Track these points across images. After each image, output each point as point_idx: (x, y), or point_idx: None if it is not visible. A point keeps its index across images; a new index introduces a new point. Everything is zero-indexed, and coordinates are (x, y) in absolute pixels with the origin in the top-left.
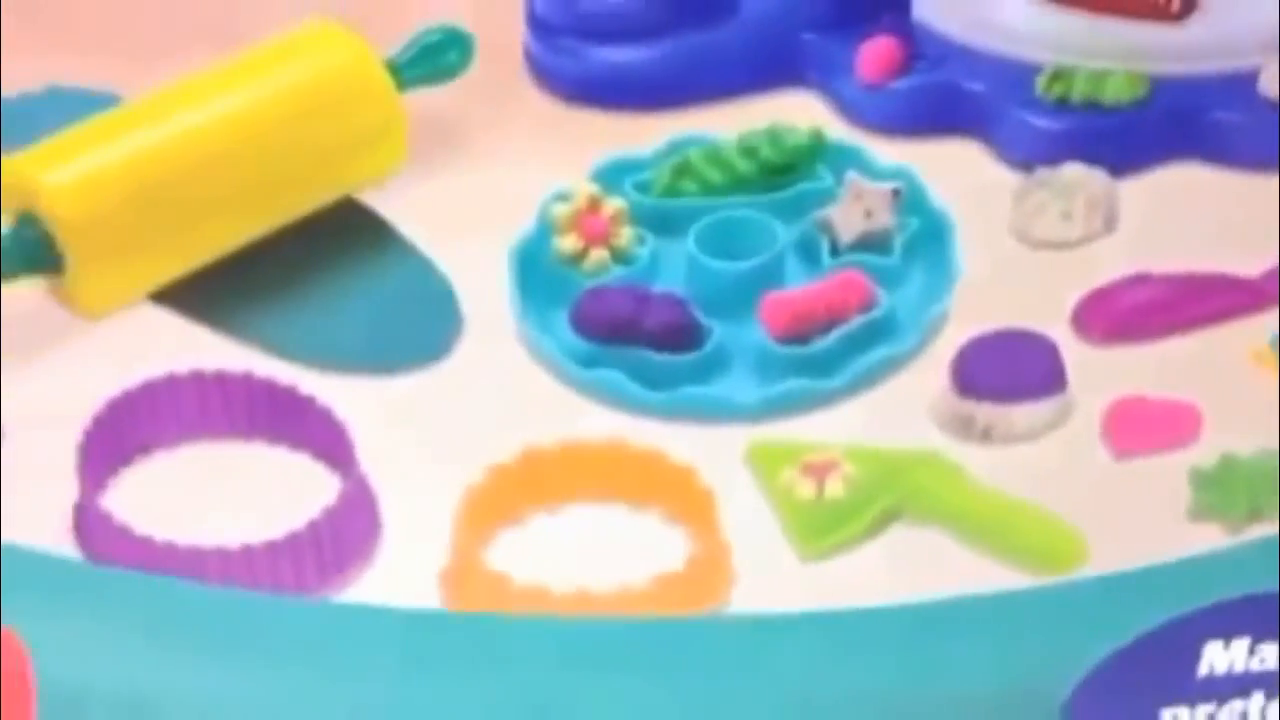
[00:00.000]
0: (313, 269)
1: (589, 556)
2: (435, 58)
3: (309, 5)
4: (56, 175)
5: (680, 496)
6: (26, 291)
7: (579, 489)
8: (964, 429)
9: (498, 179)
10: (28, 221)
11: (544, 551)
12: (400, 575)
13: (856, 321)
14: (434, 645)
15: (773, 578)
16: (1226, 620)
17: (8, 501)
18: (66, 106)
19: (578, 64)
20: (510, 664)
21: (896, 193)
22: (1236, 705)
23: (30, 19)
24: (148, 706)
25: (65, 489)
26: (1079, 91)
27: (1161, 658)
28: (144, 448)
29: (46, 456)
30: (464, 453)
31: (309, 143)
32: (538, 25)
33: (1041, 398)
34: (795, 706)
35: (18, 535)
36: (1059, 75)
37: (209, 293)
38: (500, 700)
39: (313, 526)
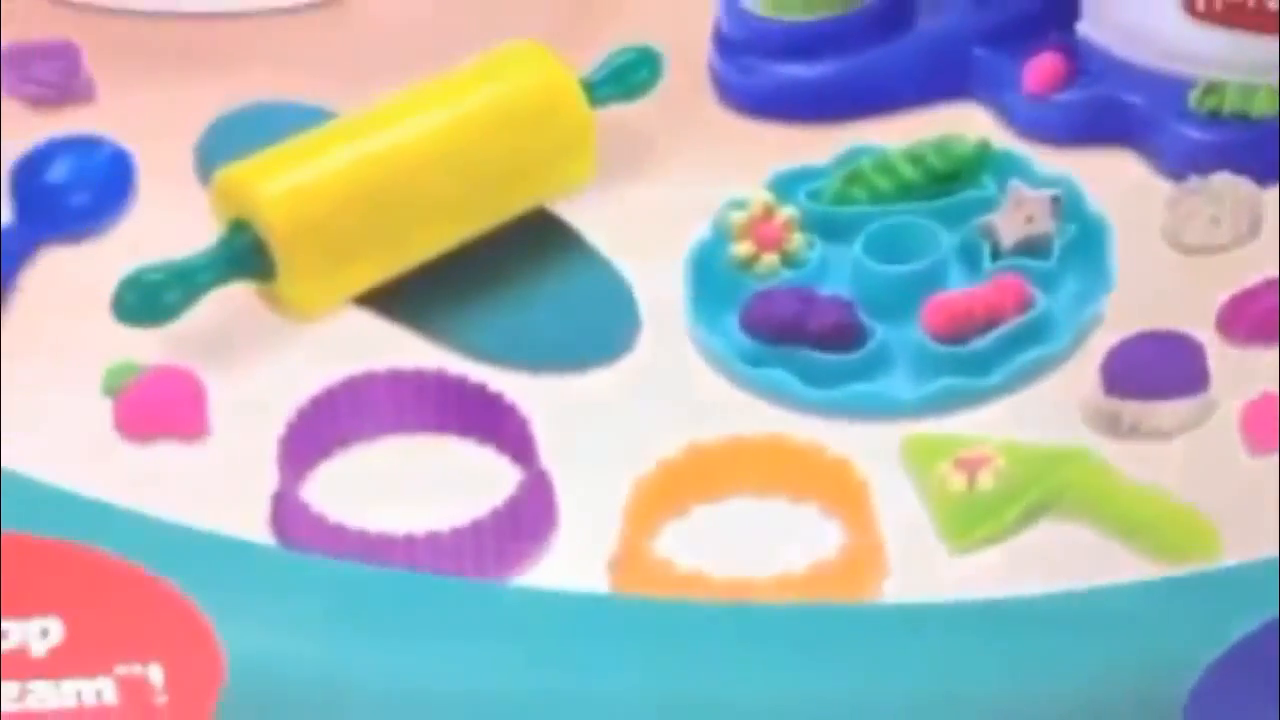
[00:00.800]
0: (504, 274)
1: (748, 546)
2: (627, 76)
3: (511, 28)
4: (271, 186)
5: (837, 489)
6: (237, 294)
7: (742, 482)
8: (1111, 426)
9: (679, 189)
10: (240, 229)
11: (706, 541)
12: (573, 562)
13: (1013, 323)
14: (601, 627)
15: (924, 568)
16: None
17: (213, 491)
18: (282, 121)
19: (759, 80)
20: (671, 646)
21: (1056, 200)
22: None
23: (255, 39)
24: (333, 685)
25: (267, 480)
26: (1230, 105)
27: None
28: (342, 441)
29: (253, 449)
30: (636, 447)
31: (507, 156)
32: (724, 44)
33: (1186, 396)
34: (941, 693)
35: (220, 523)
36: (1211, 89)
37: (408, 296)
38: (661, 679)
39: (495, 515)
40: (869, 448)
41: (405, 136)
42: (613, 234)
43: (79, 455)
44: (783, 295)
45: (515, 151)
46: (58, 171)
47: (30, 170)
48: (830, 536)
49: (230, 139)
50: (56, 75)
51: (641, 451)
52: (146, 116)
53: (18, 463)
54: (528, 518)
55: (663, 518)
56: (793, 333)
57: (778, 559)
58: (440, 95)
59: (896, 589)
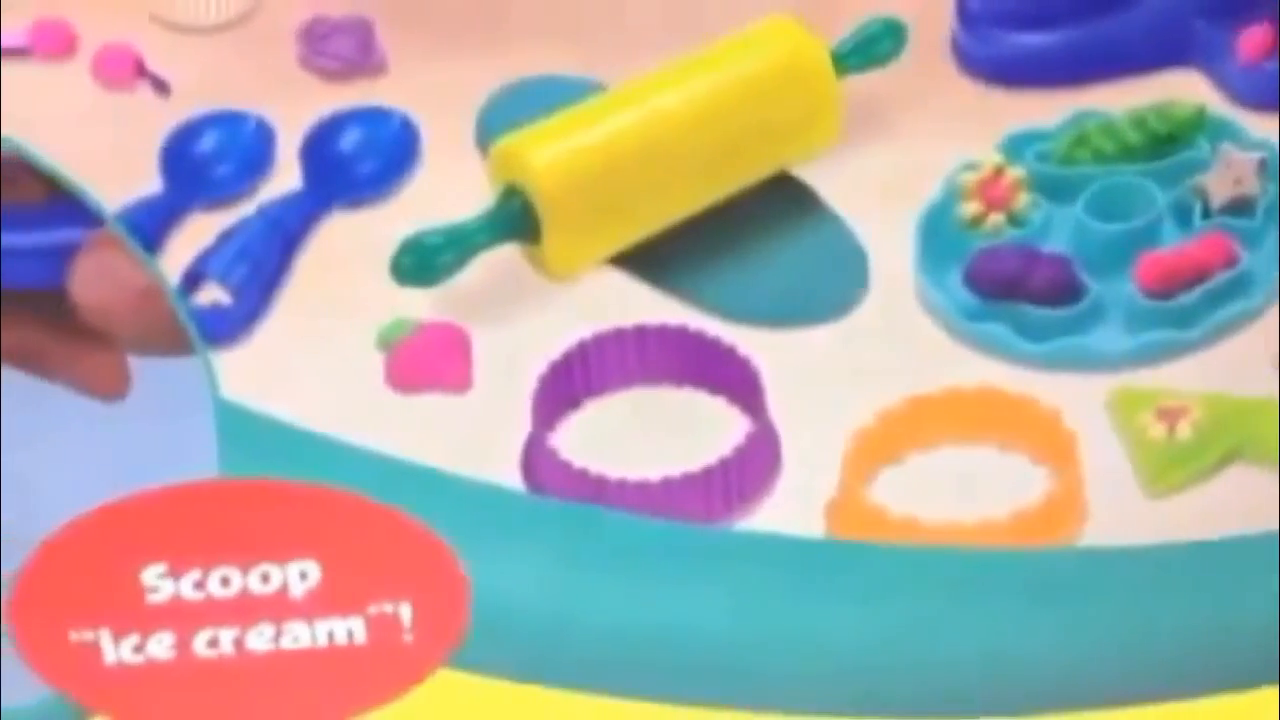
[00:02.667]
0: (742, 234)
1: (958, 492)
2: (872, 47)
3: (771, 5)
4: (541, 154)
5: (1045, 439)
6: (504, 254)
7: (955, 432)
8: None
9: (916, 152)
10: (512, 193)
11: (919, 487)
12: (793, 507)
13: (1219, 278)
14: (818, 570)
15: (1123, 513)
16: None
17: (472, 439)
18: (556, 93)
19: (997, 49)
20: (883, 588)
21: (1263, 163)
22: None
23: (535, 16)
24: (563, 620)
25: (521, 429)
26: None
27: None
28: (590, 392)
29: (510, 400)
30: (857, 399)
31: (758, 124)
32: (965, 14)
33: None
34: (1139, 631)
35: (475, 469)
36: None
37: (654, 256)
38: (873, 619)
39: (723, 463)
40: (1077, 396)
41: (664, 107)
42: (850, 195)
43: (352, 406)
44: (1006, 252)
45: (765, 120)
46: (348, 140)
47: (322, 139)
48: (1037, 483)
49: (508, 110)
50: (351, 50)
51: (862, 403)
52: (433, 89)
53: (294, 412)
54: (753, 465)
55: (879, 466)
56: (1013, 288)
57: (985, 505)
58: (699, 68)
59: (1097, 532)
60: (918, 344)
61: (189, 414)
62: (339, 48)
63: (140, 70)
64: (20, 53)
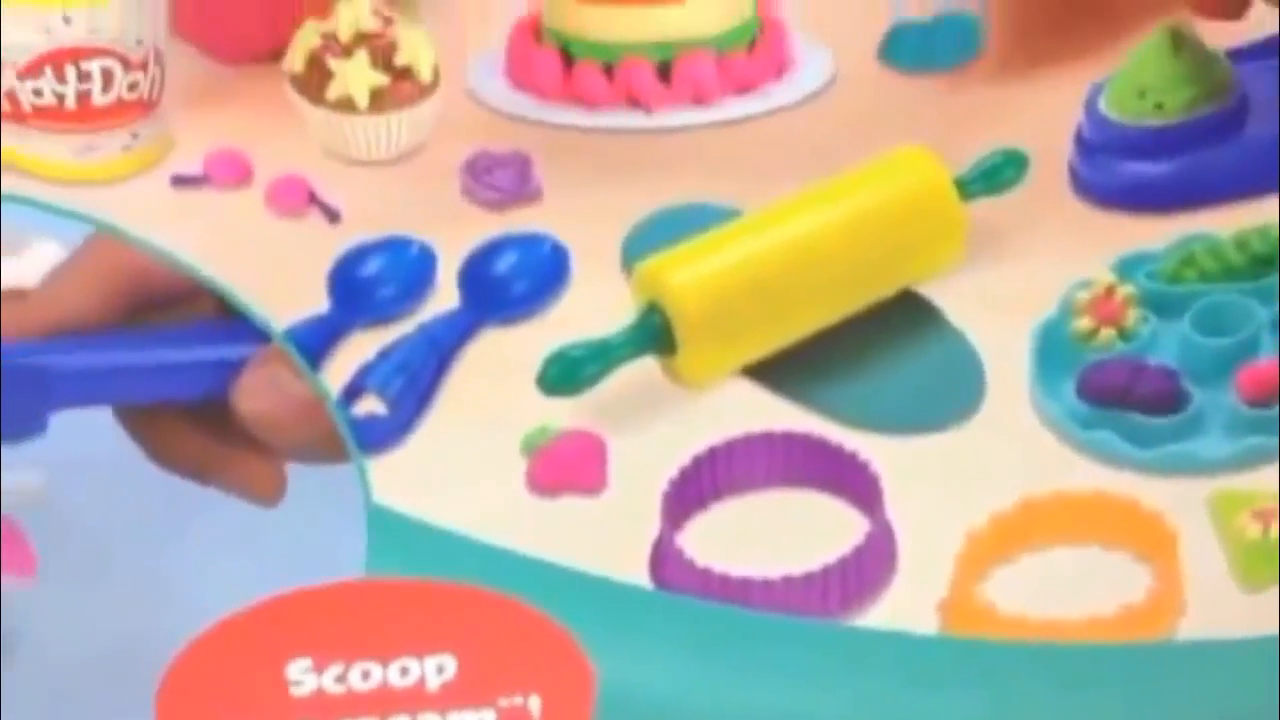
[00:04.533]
0: (867, 345)
1: (1067, 591)
2: (995, 175)
3: (903, 136)
4: (680, 274)
5: (1149, 539)
6: (643, 367)
7: (1064, 533)
8: None
9: (1034, 272)
10: (652, 311)
11: (1030, 587)
12: (908, 605)
13: None
14: (932, 665)
15: (1220, 609)
16: None
17: (604, 539)
18: (697, 218)
19: (1111, 177)
20: (995, 682)
21: None
22: None
23: (679, 149)
24: (689, 712)
25: (651, 529)
26: None
27: None
28: (718, 495)
29: (642, 502)
30: (973, 501)
31: (887, 248)
32: (1083, 145)
33: None
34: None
35: (607, 568)
36: None
37: (782, 367)
38: (986, 712)
39: (842, 562)
40: (1180, 499)
41: (798, 232)
42: (971, 310)
43: (494, 507)
44: (1116, 364)
45: (894, 243)
46: (504, 263)
47: (479, 262)
48: (1140, 581)
49: (652, 235)
50: (510, 182)
51: (978, 505)
52: (584, 216)
53: (439, 514)
54: (871, 564)
55: (992, 565)
56: (1122, 398)
57: (1092, 602)
58: (832, 194)
59: (1195, 627)
60: (1031, 450)
61: (340, 517)
62: (499, 180)
63: (312, 199)
64: (197, 181)
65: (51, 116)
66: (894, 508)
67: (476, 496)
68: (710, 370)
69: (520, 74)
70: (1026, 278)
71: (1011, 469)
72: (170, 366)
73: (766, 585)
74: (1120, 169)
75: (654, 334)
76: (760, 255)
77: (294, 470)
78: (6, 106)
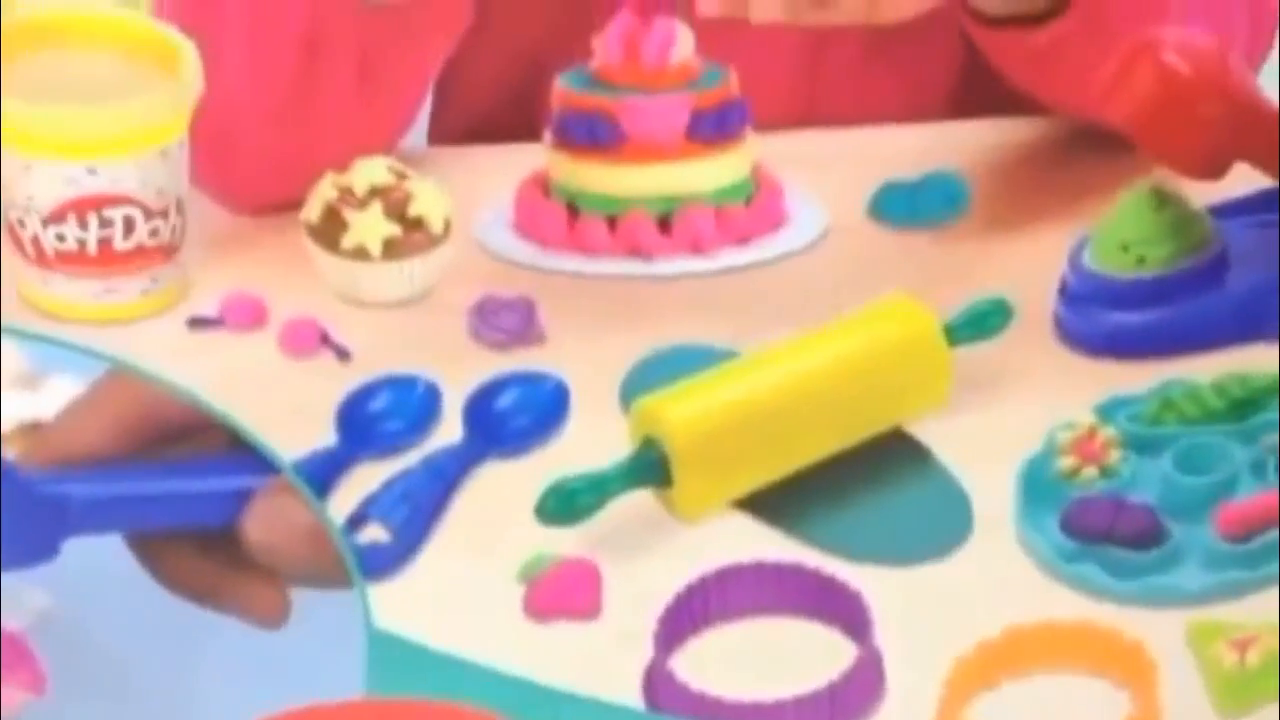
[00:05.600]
0: (856, 481)
1: (1050, 716)
2: (981, 322)
3: (890, 282)
4: (675, 411)
5: (1129, 667)
6: (637, 499)
7: (1047, 660)
8: None
9: (1019, 413)
10: (648, 445)
11: (1013, 712)
12: None
13: None
14: None
15: None
16: None
17: (597, 662)
18: (694, 359)
19: (1095, 325)
20: None
21: None
22: None
23: (676, 293)
24: None
25: (643, 653)
26: None
27: None
28: (710, 620)
29: (635, 628)
30: (959, 630)
31: (876, 387)
32: (1068, 295)
33: None
34: None
35: (600, 690)
36: None
37: (773, 499)
38: None
39: (831, 687)
40: (1162, 630)
41: (790, 372)
42: (957, 449)
43: (492, 632)
44: (1098, 502)
45: (882, 385)
46: (506, 399)
47: (484, 398)
48: (1120, 707)
49: (650, 374)
50: (515, 324)
51: (964, 634)
52: (585, 357)
53: (438, 637)
54: (859, 689)
55: (977, 691)
56: (1104, 534)
57: None
58: (824, 338)
59: None
60: (1016, 582)
61: (342, 640)
62: (505, 322)
63: (323, 339)
64: (213, 323)
65: (74, 261)
66: (883, 635)
67: (474, 621)
68: (704, 502)
69: (527, 225)
70: (1012, 418)
71: (997, 599)
72: (182, 496)
73: (758, 709)
74: (1104, 318)
75: (650, 468)
76: (753, 394)
77: (298, 594)
78: (31, 252)
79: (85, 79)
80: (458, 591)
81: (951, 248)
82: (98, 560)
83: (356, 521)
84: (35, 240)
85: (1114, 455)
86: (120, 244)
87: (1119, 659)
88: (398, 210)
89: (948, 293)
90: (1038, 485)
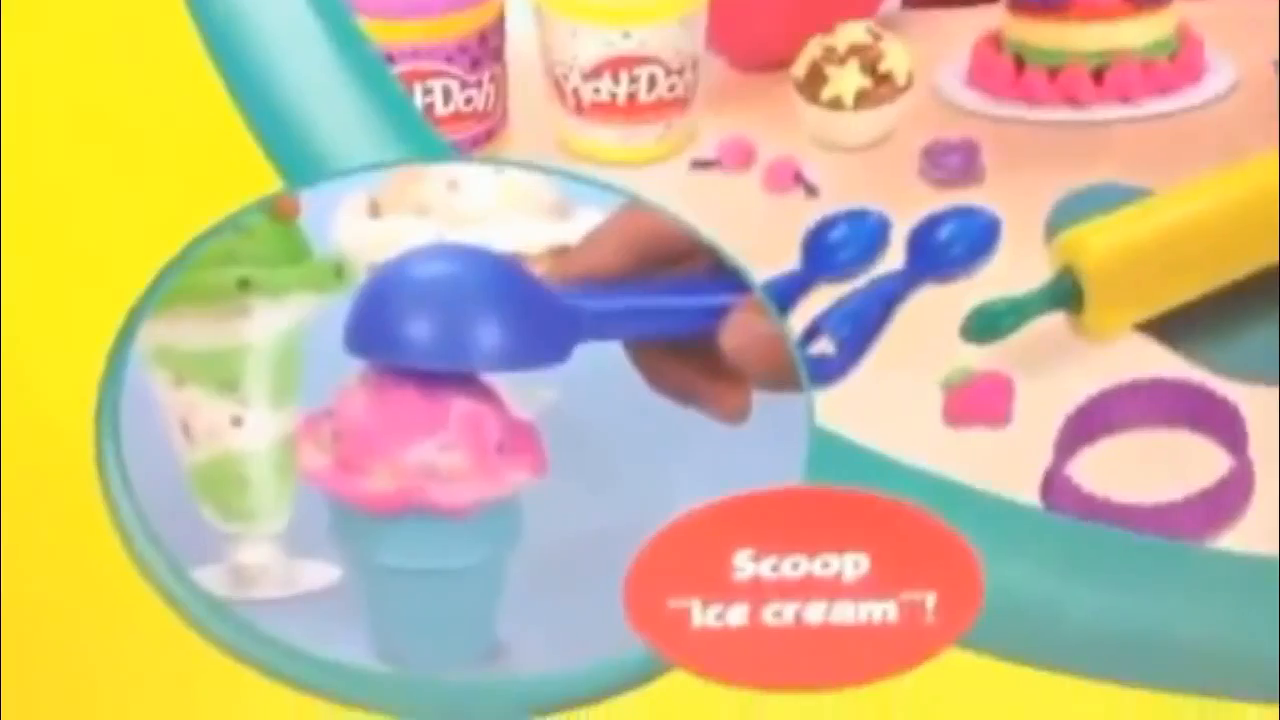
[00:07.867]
0: (1249, 306)
1: None
2: None
3: None
4: (1095, 244)
5: None
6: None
7: None
8: None
9: None
10: (1066, 273)
11: None
12: (1262, 531)
13: None
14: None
15: None
16: None
17: (1004, 465)
18: (1114, 196)
19: None
20: None
21: None
22: None
23: (1104, 138)
24: (1061, 616)
25: (1043, 459)
26: None
27: None
28: (1106, 431)
29: (1039, 436)
30: None
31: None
32: None
33: None
34: None
35: (1003, 487)
36: None
37: (1169, 322)
38: None
39: (1204, 493)
40: None
41: (1200, 209)
42: None
43: (914, 434)
44: None
45: None
46: (945, 231)
47: (926, 229)
48: None
49: (1073, 209)
50: (960, 163)
51: None
52: (1017, 194)
53: (867, 436)
54: (1231, 495)
55: None
56: None
57: None
58: (1235, 179)
59: None
60: None
61: (789, 437)
62: (950, 162)
63: (797, 178)
64: (711, 164)
65: (605, 111)
66: (1255, 448)
67: (899, 424)
68: (1111, 327)
69: (979, 76)
70: None
71: None
72: (674, 310)
73: (1140, 510)
74: None
75: (1066, 294)
76: (1165, 229)
77: (756, 397)
78: (571, 103)
79: None
80: (887, 397)
81: None
82: (600, 363)
83: (810, 334)
84: (575, 93)
85: None
86: (644, 97)
87: None
88: (870, 66)
89: None
90: None
